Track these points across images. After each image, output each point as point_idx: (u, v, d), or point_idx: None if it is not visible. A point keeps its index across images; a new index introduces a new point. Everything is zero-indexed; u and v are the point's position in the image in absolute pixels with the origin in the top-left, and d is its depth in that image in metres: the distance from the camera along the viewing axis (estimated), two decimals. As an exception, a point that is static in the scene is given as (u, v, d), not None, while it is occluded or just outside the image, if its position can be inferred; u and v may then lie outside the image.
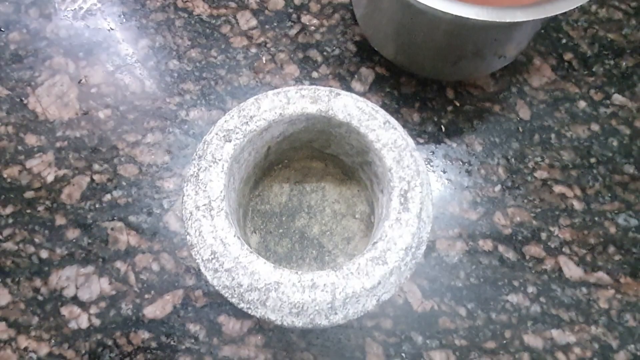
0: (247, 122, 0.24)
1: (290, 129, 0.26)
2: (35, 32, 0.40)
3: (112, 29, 0.40)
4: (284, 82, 0.38)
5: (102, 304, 0.32)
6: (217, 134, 0.24)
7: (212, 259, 0.22)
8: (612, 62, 0.40)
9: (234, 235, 0.22)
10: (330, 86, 0.38)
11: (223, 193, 0.23)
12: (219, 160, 0.23)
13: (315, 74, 0.39)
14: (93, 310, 0.32)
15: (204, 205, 0.22)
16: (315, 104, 0.24)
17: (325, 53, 0.40)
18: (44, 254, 0.33)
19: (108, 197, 0.35)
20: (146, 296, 0.32)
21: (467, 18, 0.26)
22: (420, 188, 0.23)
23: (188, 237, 0.22)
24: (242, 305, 0.21)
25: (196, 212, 0.22)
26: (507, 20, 0.26)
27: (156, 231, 0.34)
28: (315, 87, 0.25)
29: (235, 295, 0.21)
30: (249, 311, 0.21)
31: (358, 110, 0.24)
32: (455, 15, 0.26)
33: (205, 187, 0.23)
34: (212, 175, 0.23)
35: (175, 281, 0.33)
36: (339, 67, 0.39)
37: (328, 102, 0.25)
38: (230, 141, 0.24)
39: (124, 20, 0.41)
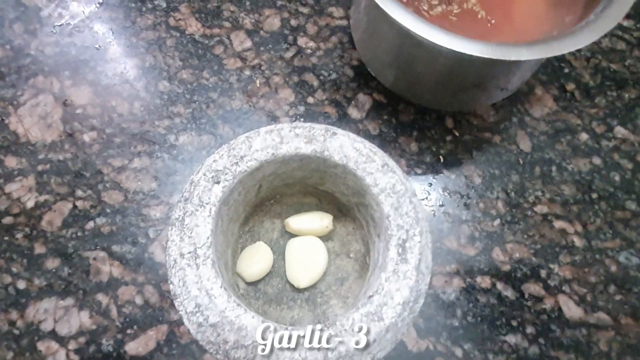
0: (237, 162, 0.23)
1: (283, 168, 0.24)
2: (19, 49, 0.38)
3: (100, 47, 0.39)
4: (278, 107, 0.37)
5: (82, 340, 0.30)
6: (205, 174, 0.22)
7: (197, 311, 0.20)
8: (614, 94, 0.39)
9: (221, 286, 0.21)
10: (326, 112, 0.37)
11: (210, 239, 0.21)
12: (207, 204, 0.22)
13: (310, 99, 0.37)
14: (72, 345, 0.30)
15: (189, 253, 0.21)
16: (310, 143, 0.23)
17: (321, 77, 0.38)
18: (22, 285, 0.31)
19: (91, 224, 0.33)
20: (128, 331, 0.31)
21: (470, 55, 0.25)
22: (420, 237, 0.22)
23: (171, 286, 0.21)
24: (227, 363, 0.20)
25: (180, 260, 0.21)
26: (512, 59, 0.25)
27: (141, 262, 0.32)
28: (310, 125, 0.24)
29: (221, 352, 0.20)
30: (235, 369, 0.20)
31: (355, 152, 0.23)
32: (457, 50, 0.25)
33: (191, 233, 0.21)
34: (199, 220, 0.22)
35: (159, 316, 0.31)
36: (336, 93, 0.38)
37: (323, 142, 0.23)
38: (218, 183, 0.22)
39: (113, 38, 0.39)
